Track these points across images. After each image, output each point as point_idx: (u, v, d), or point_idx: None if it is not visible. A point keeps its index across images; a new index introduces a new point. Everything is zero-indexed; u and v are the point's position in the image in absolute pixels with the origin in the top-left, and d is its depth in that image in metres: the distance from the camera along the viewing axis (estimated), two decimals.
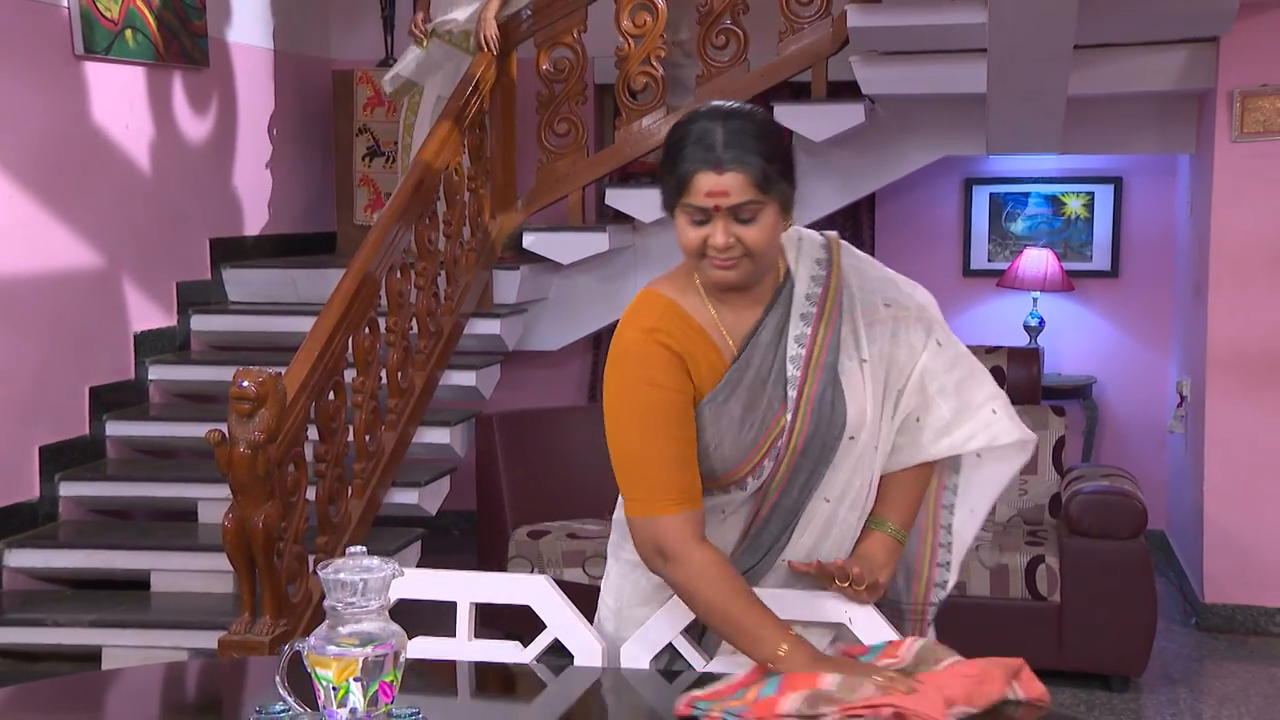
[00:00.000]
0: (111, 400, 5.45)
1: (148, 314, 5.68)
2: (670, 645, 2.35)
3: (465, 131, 5.49)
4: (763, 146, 2.10)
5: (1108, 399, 6.55)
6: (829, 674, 2.01)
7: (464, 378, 5.49)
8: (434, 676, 2.39)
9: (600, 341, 6.88)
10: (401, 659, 1.82)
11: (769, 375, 2.24)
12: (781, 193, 2.13)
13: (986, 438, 2.31)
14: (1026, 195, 6.64)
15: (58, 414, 5.19)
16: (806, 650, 2.08)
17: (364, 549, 1.84)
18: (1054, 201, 6.62)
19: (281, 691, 1.80)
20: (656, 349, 2.19)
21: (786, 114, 5.84)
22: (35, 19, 5.04)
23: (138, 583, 4.89)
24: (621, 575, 2.46)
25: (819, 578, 2.24)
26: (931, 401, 2.29)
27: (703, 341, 2.22)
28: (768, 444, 2.24)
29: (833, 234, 2.36)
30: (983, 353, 5.43)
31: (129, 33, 5.47)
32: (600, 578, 2.61)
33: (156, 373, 5.67)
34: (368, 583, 1.79)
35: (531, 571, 5.04)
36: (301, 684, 1.83)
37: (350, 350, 4.59)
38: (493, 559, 5.20)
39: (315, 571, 1.86)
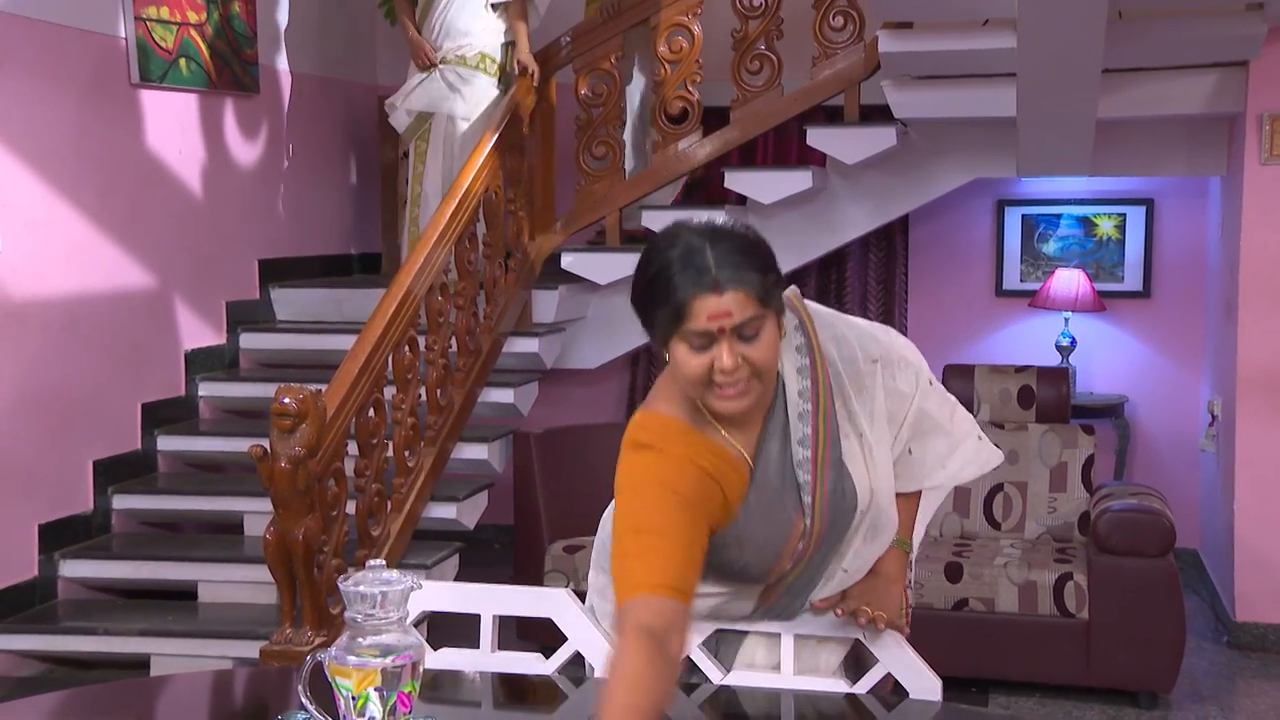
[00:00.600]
0: (163, 416, 5.52)
1: (198, 332, 5.76)
2: (688, 658, 2.38)
3: (504, 155, 5.54)
4: (755, 260, 2.02)
5: (1140, 418, 6.50)
6: None
7: (503, 395, 5.52)
8: (458, 686, 2.42)
9: (638, 360, 6.90)
10: (419, 670, 1.84)
11: (782, 484, 2.19)
12: (778, 302, 2.07)
13: (977, 466, 2.37)
14: (1058, 217, 6.61)
15: (111, 429, 5.27)
16: None
17: (384, 562, 1.87)
18: (1086, 223, 6.58)
19: (303, 700, 1.83)
20: (691, 470, 2.10)
21: (819, 137, 5.87)
22: (94, 49, 5.13)
23: (186, 593, 4.95)
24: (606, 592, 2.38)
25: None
26: (927, 437, 2.31)
27: (723, 453, 2.15)
28: (790, 551, 2.23)
29: (794, 296, 2.23)
30: (1012, 372, 5.42)
31: (183, 61, 5.55)
32: None
33: (206, 389, 5.74)
34: (387, 595, 1.83)
35: (567, 585, 5.06)
36: (324, 693, 1.86)
37: (390, 368, 4.63)
38: (529, 572, 5.21)
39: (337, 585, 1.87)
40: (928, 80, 5.60)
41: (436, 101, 5.85)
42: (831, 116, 6.09)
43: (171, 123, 5.55)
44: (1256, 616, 5.32)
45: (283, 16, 6.32)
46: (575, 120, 6.04)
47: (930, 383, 2.31)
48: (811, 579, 2.30)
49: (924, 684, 2.29)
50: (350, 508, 4.40)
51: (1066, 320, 6.41)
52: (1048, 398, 5.33)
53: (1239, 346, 5.30)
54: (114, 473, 5.25)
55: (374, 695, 1.81)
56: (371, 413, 4.44)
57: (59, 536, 4.99)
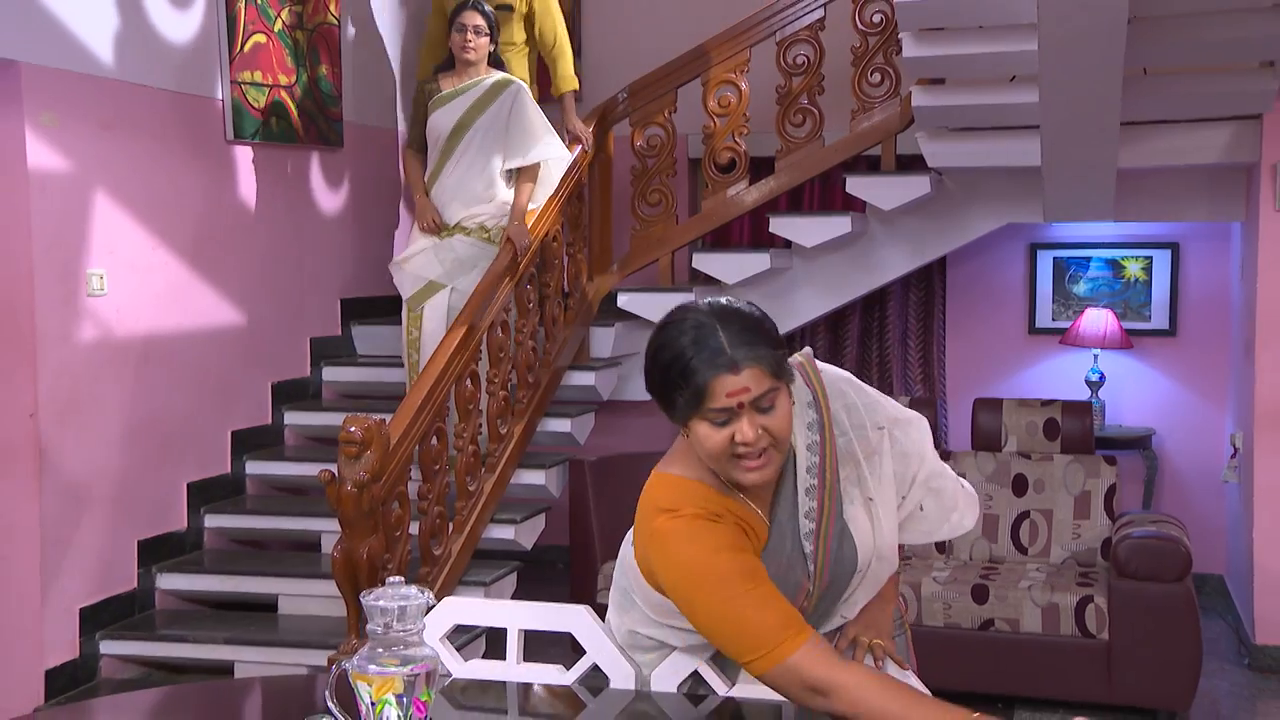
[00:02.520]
0: (251, 442, 5.63)
1: (284, 366, 5.88)
2: (695, 671, 2.40)
3: (565, 203, 5.61)
4: (764, 336, 2.01)
5: (1167, 450, 6.43)
6: None
7: (560, 425, 5.58)
8: (486, 696, 2.47)
9: None
10: (434, 678, 1.89)
11: (794, 551, 2.17)
12: (789, 373, 2.05)
13: (974, 514, 2.34)
14: (1088, 259, 6.57)
15: (204, 454, 5.38)
16: None
17: (403, 579, 1.92)
18: (1114, 265, 6.54)
19: (330, 705, 1.88)
20: (721, 526, 2.08)
21: (859, 185, 5.90)
22: (194, 110, 5.27)
23: (267, 605, 5.03)
24: (634, 628, 2.36)
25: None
26: (940, 494, 2.28)
27: (748, 521, 2.13)
28: (797, 605, 2.18)
29: (807, 361, 2.22)
30: (1038, 406, 5.39)
31: (273, 119, 5.69)
32: None
33: (291, 418, 5.85)
34: (405, 609, 1.87)
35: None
36: (349, 699, 1.91)
37: (453, 399, 4.71)
38: (583, 590, 5.25)
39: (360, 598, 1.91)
40: (959, 132, 5.62)
41: (451, 274, 5.33)
42: (871, 165, 6.12)
43: (262, 174, 5.67)
44: (1276, 639, 5.23)
45: (367, 76, 6.45)
46: (631, 170, 6.11)
47: (931, 445, 2.30)
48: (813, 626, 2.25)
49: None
50: (414, 528, 4.48)
51: (1096, 357, 6.36)
52: (1072, 430, 5.30)
53: (1256, 383, 5.25)
54: (206, 494, 5.36)
55: (392, 701, 1.85)
56: (434, 441, 4.52)
57: (156, 552, 5.11)
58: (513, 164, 5.33)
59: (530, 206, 5.40)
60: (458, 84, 5.33)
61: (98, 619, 4.83)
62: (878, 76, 5.83)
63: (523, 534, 5.18)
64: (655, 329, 2.07)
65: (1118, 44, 4.27)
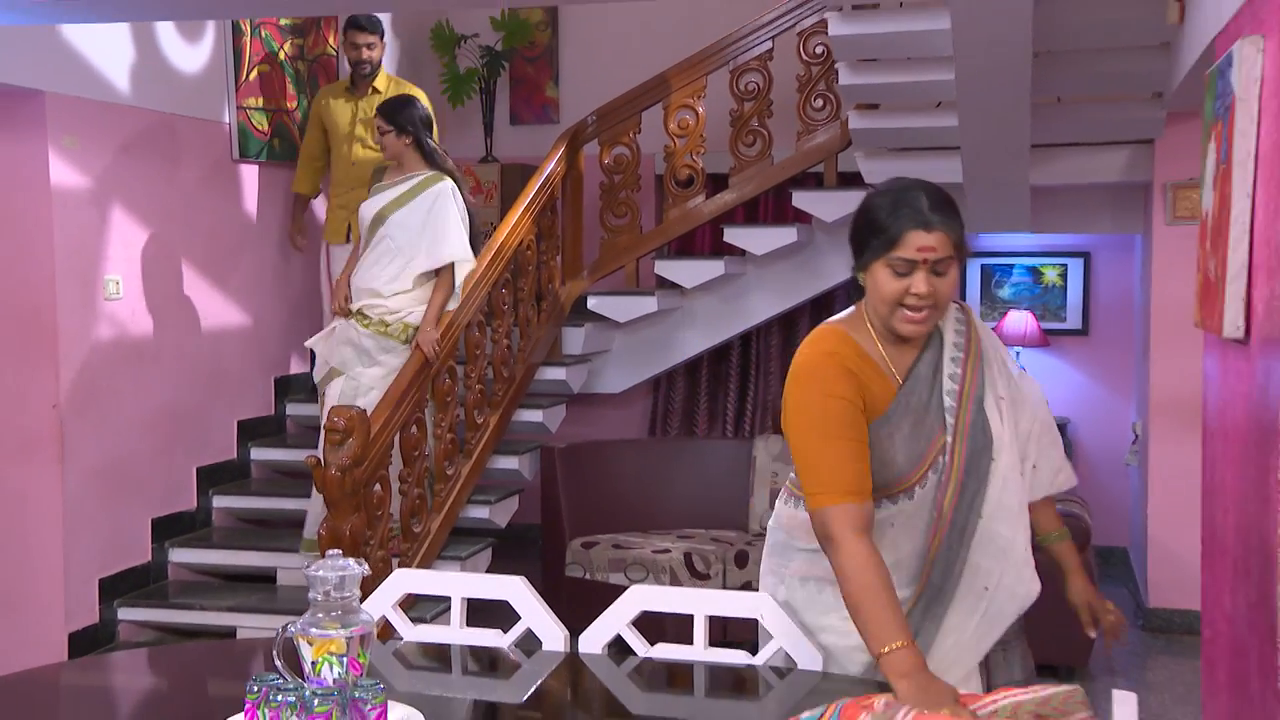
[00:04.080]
0: (255, 431, 5.70)
1: (285, 363, 5.95)
2: (618, 635, 2.48)
3: (538, 214, 5.67)
4: (957, 214, 2.18)
5: (1080, 437, 6.52)
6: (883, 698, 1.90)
7: (533, 415, 5.65)
8: (432, 658, 2.54)
9: (658, 385, 7.00)
10: (369, 641, 1.96)
11: (929, 402, 2.26)
12: (964, 253, 2.20)
13: (1067, 476, 2.48)
14: (1011, 266, 6.66)
15: (212, 441, 5.45)
16: (911, 657, 1.98)
17: (340, 551, 1.99)
18: (1034, 272, 6.62)
19: (277, 664, 1.95)
20: (834, 367, 2.20)
21: (804, 199, 5.95)
22: (203, 133, 5.33)
23: (268, 577, 5.10)
24: (791, 591, 2.41)
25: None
26: (1046, 451, 2.41)
27: (872, 369, 2.24)
28: (931, 457, 2.26)
29: (965, 304, 2.42)
30: None
31: (276, 141, 5.75)
32: (639, 580, 2.67)
33: (293, 409, 5.91)
34: (343, 579, 1.94)
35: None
36: (294, 658, 1.97)
37: (432, 392, 4.78)
38: (553, 564, 5.33)
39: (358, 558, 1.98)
40: (893, 151, 5.69)
41: (348, 363, 4.75)
42: (816, 181, 6.19)
43: (265, 190, 5.74)
44: (1165, 603, 5.34)
45: None
46: (600, 185, 6.18)
47: (1046, 402, 2.46)
48: (964, 524, 2.26)
49: (805, 655, 2.33)
50: (395, 509, 4.55)
51: (1018, 354, 6.44)
52: None
53: (1151, 377, 5.34)
54: (214, 477, 5.43)
55: (332, 660, 1.92)
56: (414, 429, 4.59)
57: (169, 529, 5.17)
58: (422, 266, 4.71)
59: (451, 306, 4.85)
60: (395, 177, 4.83)
61: (115, 588, 4.90)
62: (820, 102, 5.90)
63: (497, 513, 5.26)
64: (871, 190, 2.27)
65: (1024, 75, 4.36)
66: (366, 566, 1.97)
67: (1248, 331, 2.61)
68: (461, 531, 5.10)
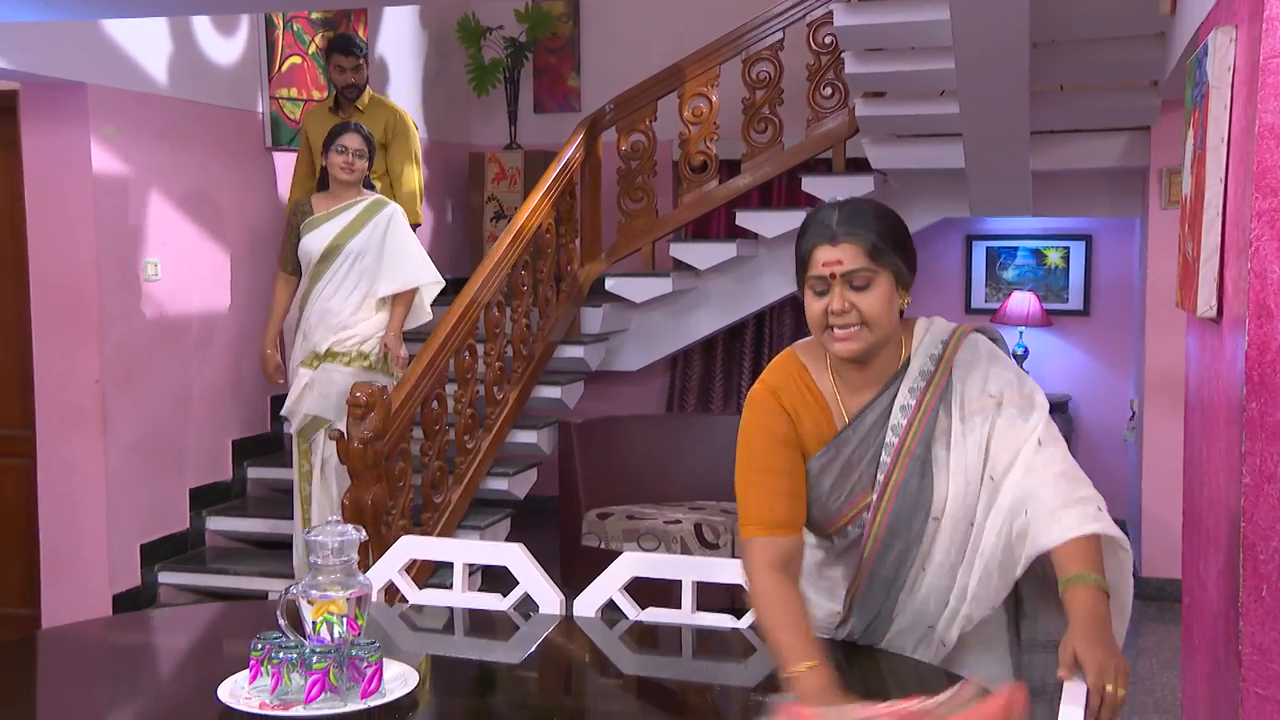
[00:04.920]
0: None
1: None
2: (610, 600, 2.52)
3: (557, 199, 5.70)
4: (875, 223, 1.97)
5: (1082, 413, 6.50)
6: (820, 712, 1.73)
7: (552, 391, 5.68)
8: (437, 619, 2.58)
9: (675, 363, 7.03)
10: (366, 602, 2.00)
11: (865, 455, 2.06)
12: (893, 265, 1.97)
13: (1096, 526, 1.95)
14: (1015, 249, 6.63)
15: (246, 415, 5.50)
16: (818, 679, 1.83)
17: (339, 518, 2.03)
18: (1037, 254, 6.60)
19: (280, 623, 2.00)
20: (773, 404, 2.07)
21: (813, 184, 5.96)
22: (238, 122, 5.37)
23: None
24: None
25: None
26: (1033, 494, 1.98)
27: (817, 406, 2.08)
28: (852, 513, 2.08)
29: (965, 328, 2.13)
30: None
31: None
32: (652, 550, 2.53)
33: None
34: (342, 544, 1.98)
35: (599, 544, 5.21)
36: (296, 619, 2.02)
37: (453, 369, 4.82)
38: (570, 534, 5.36)
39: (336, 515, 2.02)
40: (899, 138, 5.67)
41: (337, 409, 4.42)
42: (825, 167, 6.18)
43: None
44: (1157, 573, 5.33)
45: (391, 91, 6.53)
46: (617, 171, 6.19)
47: (1040, 442, 2.03)
48: (892, 576, 2.08)
49: None
50: (418, 481, 4.60)
51: (1021, 333, 6.43)
52: None
53: (1146, 356, 5.32)
54: (248, 450, 5.49)
55: (333, 619, 1.97)
56: (435, 405, 4.63)
57: (206, 498, 5.24)
58: (387, 290, 4.49)
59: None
60: (331, 206, 4.50)
61: (156, 554, 4.97)
62: (829, 90, 5.88)
63: (516, 485, 5.29)
64: None
65: (1022, 64, 4.34)
66: (364, 533, 2.01)
67: (1220, 311, 2.60)
68: (481, 502, 5.15)
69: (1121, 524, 6.24)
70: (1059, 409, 6.33)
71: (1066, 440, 6.18)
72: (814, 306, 1.99)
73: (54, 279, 4.65)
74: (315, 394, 4.46)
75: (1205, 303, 2.63)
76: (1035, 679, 2.08)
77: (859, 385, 2.07)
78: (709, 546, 5.03)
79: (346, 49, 5.27)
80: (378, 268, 4.48)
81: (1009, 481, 2.00)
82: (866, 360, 2.04)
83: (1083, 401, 6.48)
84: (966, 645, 2.12)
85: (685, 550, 5.01)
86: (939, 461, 2.03)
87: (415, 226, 5.15)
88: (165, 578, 5.01)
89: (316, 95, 5.83)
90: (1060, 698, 1.78)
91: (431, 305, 4.69)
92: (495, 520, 5.10)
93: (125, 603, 4.80)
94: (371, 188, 4.70)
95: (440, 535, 4.60)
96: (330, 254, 4.46)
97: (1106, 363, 6.47)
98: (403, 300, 4.54)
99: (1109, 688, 1.74)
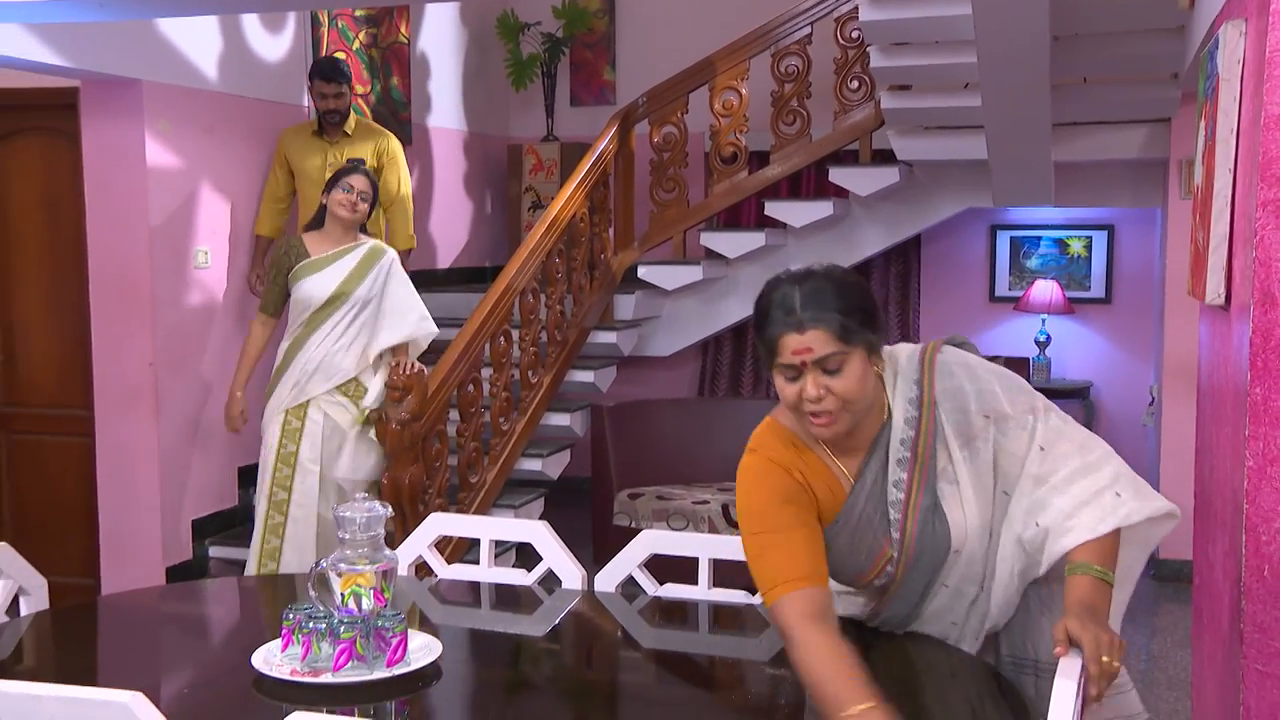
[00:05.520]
0: None
1: None
2: (630, 575, 2.54)
3: (591, 189, 5.71)
4: (840, 302, 1.84)
5: (1103, 399, 6.44)
6: None
7: (585, 376, 5.69)
8: (463, 593, 2.62)
9: (706, 349, 7.02)
10: (391, 576, 2.03)
11: (875, 514, 1.97)
12: (864, 340, 1.86)
13: (1116, 520, 1.90)
14: (1039, 238, 6.56)
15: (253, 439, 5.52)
16: (876, 717, 1.68)
17: (367, 495, 2.06)
18: (1060, 244, 6.53)
19: (311, 594, 2.03)
20: (780, 473, 1.95)
21: (840, 175, 5.94)
22: (284, 116, 5.38)
23: None
24: None
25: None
26: (1044, 505, 1.92)
27: (821, 474, 1.98)
28: (879, 569, 2.01)
29: (930, 349, 2.00)
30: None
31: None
32: (681, 529, 2.46)
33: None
34: (369, 519, 2.01)
35: (630, 524, 5.24)
36: (326, 591, 2.05)
37: (489, 353, 4.85)
38: (602, 513, 5.39)
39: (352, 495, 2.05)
40: (923, 130, 5.64)
41: (331, 459, 4.15)
42: (852, 158, 6.15)
43: None
44: (1174, 554, 5.28)
45: (433, 85, 6.58)
46: (650, 162, 6.19)
47: (1042, 449, 1.95)
48: (911, 595, 2.04)
49: None
50: (454, 461, 4.64)
51: (1044, 321, 6.38)
52: None
53: (1165, 343, 5.26)
54: (252, 477, 5.46)
55: (361, 591, 2.00)
56: (470, 388, 4.66)
57: (253, 476, 5.20)
58: (389, 342, 4.17)
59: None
60: (328, 248, 4.14)
61: (206, 528, 5.03)
62: (856, 83, 5.85)
63: (549, 466, 5.32)
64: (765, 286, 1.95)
65: (1043, 58, 4.30)
66: (390, 508, 2.04)
67: (1228, 298, 2.58)
68: (516, 483, 5.18)
69: None
70: (1080, 395, 6.28)
71: (1086, 428, 6.08)
72: (788, 391, 1.88)
73: (111, 266, 4.72)
74: (349, 456, 4.12)
75: (1214, 291, 2.60)
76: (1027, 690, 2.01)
77: (850, 448, 1.99)
78: (736, 526, 5.04)
79: (329, 75, 4.98)
80: (377, 317, 4.15)
81: (1018, 493, 1.95)
82: (851, 429, 1.94)
83: (1103, 388, 6.42)
84: None
85: (713, 529, 5.02)
86: (948, 500, 1.95)
87: (410, 252, 5.14)
88: (215, 551, 5.06)
89: (360, 89, 5.87)
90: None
91: (467, 291, 4.66)
92: (529, 500, 5.13)
93: (177, 575, 4.87)
94: (365, 231, 4.30)
95: (476, 514, 4.64)
96: (334, 301, 4.09)
97: (1127, 350, 6.41)
98: (401, 351, 4.24)
99: (1104, 659, 1.71)
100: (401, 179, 5.18)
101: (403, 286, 4.22)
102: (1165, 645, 4.52)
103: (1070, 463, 1.93)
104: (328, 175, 4.40)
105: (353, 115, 5.14)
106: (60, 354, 5.02)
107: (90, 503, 4.88)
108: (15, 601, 2.39)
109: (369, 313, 4.15)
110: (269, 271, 4.23)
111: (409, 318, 4.21)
